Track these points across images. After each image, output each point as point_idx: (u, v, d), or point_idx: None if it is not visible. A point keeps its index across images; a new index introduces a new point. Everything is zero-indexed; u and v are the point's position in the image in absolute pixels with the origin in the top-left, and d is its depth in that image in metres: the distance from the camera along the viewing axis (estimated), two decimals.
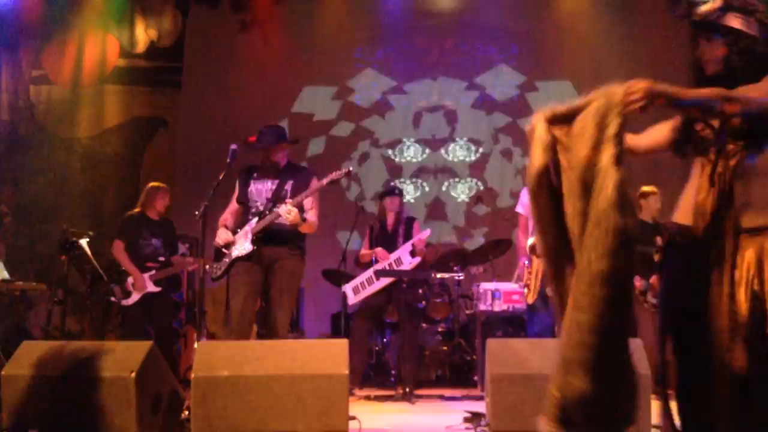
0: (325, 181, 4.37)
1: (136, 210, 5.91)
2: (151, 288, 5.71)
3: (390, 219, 6.07)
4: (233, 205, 4.63)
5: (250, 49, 8.77)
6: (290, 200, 4.30)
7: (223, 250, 4.47)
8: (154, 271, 5.75)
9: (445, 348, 6.58)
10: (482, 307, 5.95)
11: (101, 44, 8.53)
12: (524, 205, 4.91)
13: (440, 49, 8.70)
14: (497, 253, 6.52)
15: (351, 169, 4.49)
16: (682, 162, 8.19)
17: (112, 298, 5.81)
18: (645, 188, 6.15)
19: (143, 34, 8.63)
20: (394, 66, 8.74)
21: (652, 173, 7.86)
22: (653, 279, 5.88)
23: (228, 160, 4.17)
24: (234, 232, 4.49)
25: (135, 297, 5.69)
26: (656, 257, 6.37)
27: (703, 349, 2.01)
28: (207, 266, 4.41)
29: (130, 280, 5.71)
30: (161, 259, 5.82)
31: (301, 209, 4.35)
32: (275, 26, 8.82)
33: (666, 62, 8.23)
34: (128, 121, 8.52)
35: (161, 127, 8.58)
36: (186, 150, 8.52)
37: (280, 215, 4.27)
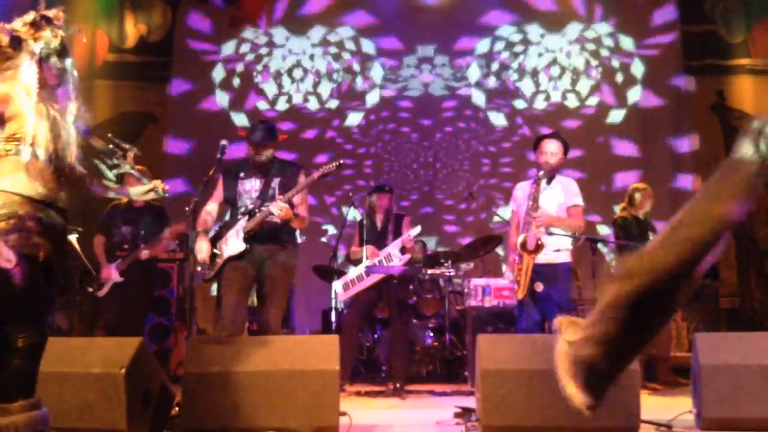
0: (316, 175, 4.34)
1: (123, 200, 5.86)
2: (115, 277, 5.62)
3: (379, 216, 6.06)
4: (213, 203, 4.60)
5: (240, 45, 8.75)
6: (281, 197, 4.29)
7: (214, 250, 4.44)
8: (120, 260, 5.70)
9: (435, 344, 6.59)
10: (473, 302, 5.96)
11: (90, 39, 8.47)
12: (515, 202, 4.92)
13: (432, 44, 8.71)
14: (487, 250, 6.54)
15: (342, 162, 4.43)
16: (672, 162, 8.25)
17: (90, 289, 5.75)
18: (637, 185, 6.20)
19: (133, 29, 8.59)
20: (386, 61, 8.75)
21: (643, 172, 7.94)
22: None
23: (218, 156, 4.16)
24: (217, 233, 4.48)
25: (105, 288, 5.64)
26: None
27: None
28: (198, 268, 4.39)
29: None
30: (126, 246, 5.69)
31: (291, 205, 4.33)
32: (265, 22, 8.80)
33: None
34: (117, 116, 8.47)
35: (151, 122, 8.54)
36: (175, 145, 8.49)
37: (271, 212, 4.26)
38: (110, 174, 3.26)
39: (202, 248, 4.35)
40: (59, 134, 2.79)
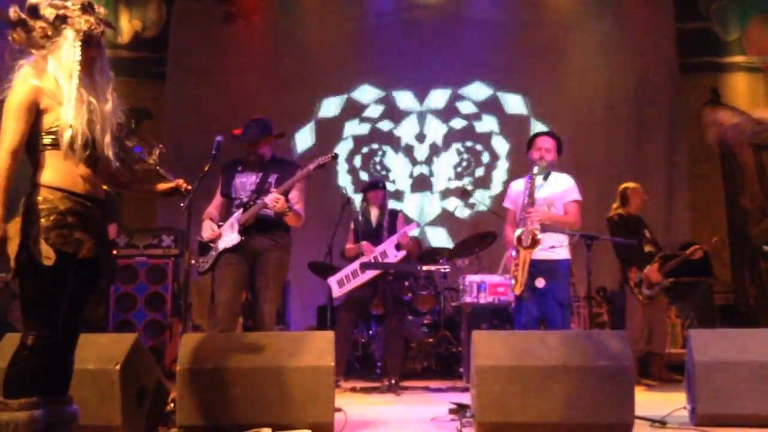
0: (311, 166, 4.32)
1: None
2: None
3: (374, 212, 6.06)
4: (218, 199, 4.60)
5: (235, 41, 8.73)
6: (275, 189, 4.28)
7: (209, 244, 4.44)
8: None
9: (430, 340, 6.60)
10: (468, 299, 5.96)
11: None
12: (511, 199, 4.92)
13: (427, 43, 8.69)
14: (483, 246, 6.55)
15: (337, 153, 4.42)
16: (665, 163, 8.24)
17: None
18: (629, 184, 6.24)
19: (127, 25, 8.57)
20: (379, 59, 8.74)
21: (636, 172, 7.94)
22: (648, 270, 5.94)
23: (213, 152, 4.14)
24: (218, 226, 4.47)
25: None
26: (647, 249, 6.42)
27: None
28: (193, 260, 4.37)
29: None
30: None
31: (286, 198, 4.32)
32: (260, 17, 8.78)
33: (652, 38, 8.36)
34: None
35: (146, 118, 8.52)
36: (171, 141, 8.46)
37: (266, 204, 4.25)
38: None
39: (207, 228, 4.42)
40: (96, 122, 2.73)
